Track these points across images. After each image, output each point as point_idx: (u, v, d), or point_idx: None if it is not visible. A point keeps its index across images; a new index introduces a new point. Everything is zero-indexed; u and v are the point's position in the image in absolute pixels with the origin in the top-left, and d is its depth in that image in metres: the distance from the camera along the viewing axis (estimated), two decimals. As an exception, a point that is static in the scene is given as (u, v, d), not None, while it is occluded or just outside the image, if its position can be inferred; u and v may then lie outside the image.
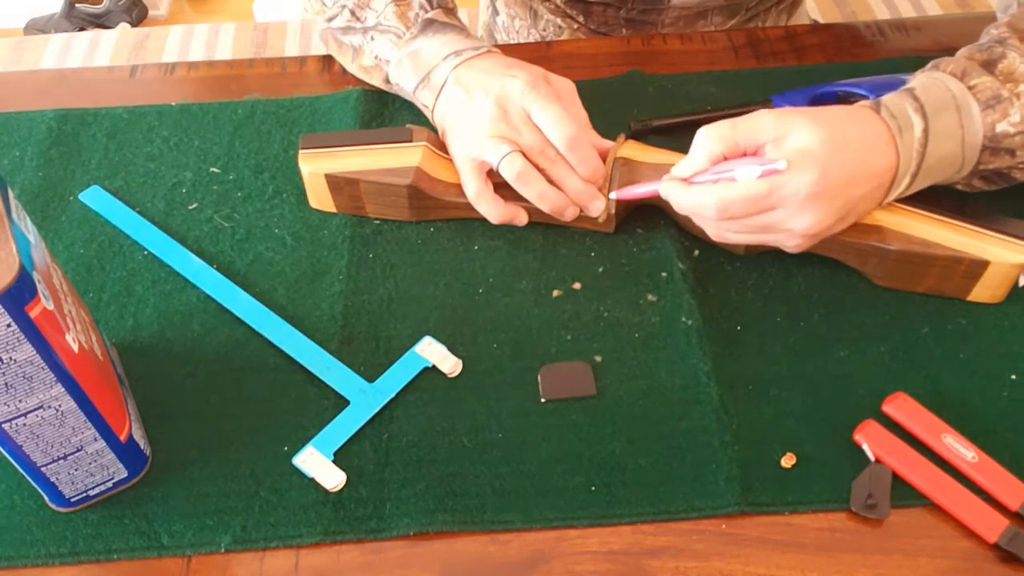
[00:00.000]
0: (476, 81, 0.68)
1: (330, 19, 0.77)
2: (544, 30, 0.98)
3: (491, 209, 0.67)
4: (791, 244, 0.62)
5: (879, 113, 0.60)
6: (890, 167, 0.59)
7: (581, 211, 0.68)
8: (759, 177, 0.57)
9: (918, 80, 0.62)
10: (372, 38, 0.75)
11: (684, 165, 0.61)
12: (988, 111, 0.60)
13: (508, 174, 0.66)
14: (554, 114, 0.66)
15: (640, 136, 0.75)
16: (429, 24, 0.72)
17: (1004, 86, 0.60)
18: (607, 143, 0.69)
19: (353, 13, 0.75)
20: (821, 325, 0.65)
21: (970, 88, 0.61)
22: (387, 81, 0.76)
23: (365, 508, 0.57)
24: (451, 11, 0.76)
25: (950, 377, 0.62)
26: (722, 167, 0.59)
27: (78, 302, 0.57)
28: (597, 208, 0.67)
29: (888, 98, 0.61)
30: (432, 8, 0.73)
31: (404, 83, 0.73)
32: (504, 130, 0.66)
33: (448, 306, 0.66)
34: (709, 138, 0.60)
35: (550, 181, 0.67)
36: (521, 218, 0.69)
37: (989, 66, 0.61)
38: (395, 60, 0.73)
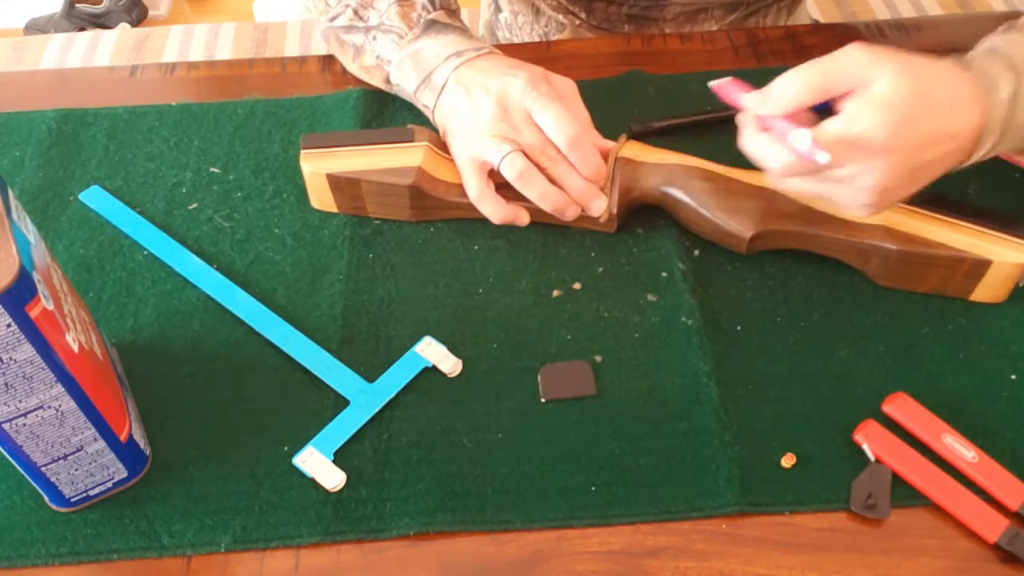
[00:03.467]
0: (477, 81, 0.68)
1: (333, 18, 0.77)
2: (546, 26, 0.98)
3: (493, 209, 0.67)
4: (858, 203, 0.57)
5: (969, 70, 0.57)
6: (974, 127, 0.56)
7: (582, 211, 0.68)
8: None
9: (998, 40, 0.59)
10: (374, 38, 0.75)
11: (765, 103, 0.57)
12: None
13: (509, 173, 0.66)
14: (555, 113, 0.66)
15: (641, 138, 0.75)
16: (431, 25, 0.72)
17: None
18: (609, 143, 0.69)
19: (356, 12, 0.75)
20: (821, 325, 0.65)
21: None
22: (387, 81, 0.76)
23: (365, 508, 0.57)
24: (454, 12, 0.76)
25: (950, 377, 0.62)
26: (783, 124, 0.56)
27: (78, 302, 0.57)
28: (598, 208, 0.67)
29: (975, 55, 0.58)
30: (435, 9, 0.74)
31: (405, 83, 0.73)
32: (505, 129, 0.66)
33: (448, 306, 0.66)
34: (797, 86, 0.55)
35: (551, 181, 0.67)
36: (523, 218, 0.69)
37: None
38: (396, 60, 0.73)
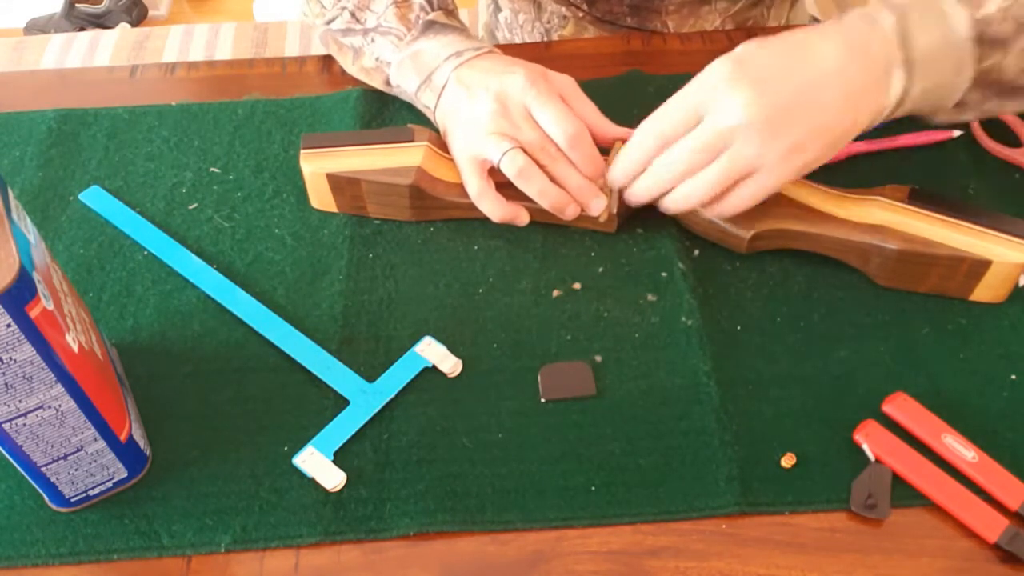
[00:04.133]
0: (477, 80, 0.68)
1: (329, 21, 0.77)
2: (548, 22, 0.98)
3: (493, 208, 0.67)
4: (771, 161, 0.58)
5: (841, 22, 0.59)
6: (865, 55, 0.58)
7: (582, 210, 0.68)
8: None
9: None
10: (372, 40, 0.75)
11: (618, 176, 0.65)
12: (964, 2, 0.58)
13: (509, 170, 0.66)
14: (555, 112, 0.66)
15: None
16: (430, 26, 0.72)
17: None
18: (622, 131, 0.69)
19: (353, 15, 0.75)
20: (821, 325, 0.65)
21: None
22: (388, 83, 0.76)
23: (365, 508, 0.57)
24: (451, 13, 0.76)
25: (950, 377, 0.62)
26: None
27: (78, 302, 0.57)
28: (598, 207, 0.67)
29: (852, 10, 0.60)
30: (433, 10, 0.73)
31: (406, 84, 0.73)
32: (504, 126, 0.66)
33: (448, 306, 0.66)
34: (637, 158, 0.63)
35: (551, 178, 0.67)
36: (523, 218, 0.69)
37: None
38: (396, 62, 0.73)
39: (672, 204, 0.63)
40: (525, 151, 0.66)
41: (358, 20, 0.75)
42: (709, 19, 0.92)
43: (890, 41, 0.58)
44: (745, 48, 0.59)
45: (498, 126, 0.66)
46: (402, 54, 0.73)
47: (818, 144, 0.59)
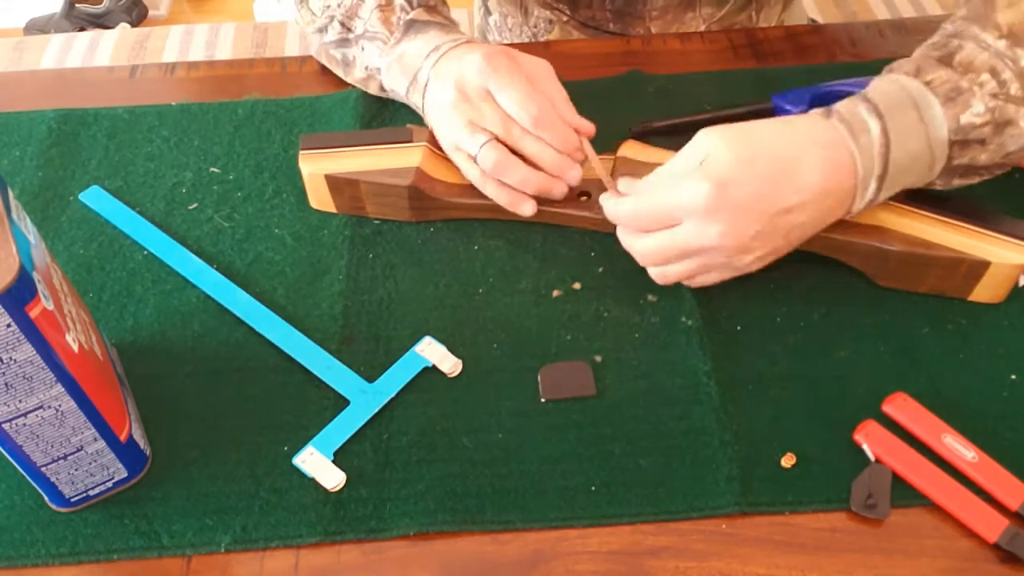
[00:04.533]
0: (444, 70, 0.68)
1: (320, 29, 0.77)
2: (535, 26, 0.98)
3: (498, 192, 0.67)
4: (737, 266, 0.60)
5: (829, 119, 0.59)
6: (845, 174, 0.58)
7: (572, 192, 0.67)
8: None
9: (873, 84, 0.61)
10: (362, 48, 0.75)
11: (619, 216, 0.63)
12: (949, 104, 0.58)
13: (486, 166, 0.66)
14: (515, 92, 0.65)
15: (641, 138, 0.75)
16: (411, 25, 0.72)
17: (963, 77, 0.59)
18: (585, 123, 0.68)
19: (343, 24, 0.75)
20: (821, 325, 0.65)
21: (927, 84, 0.59)
22: (382, 88, 0.77)
23: (365, 508, 0.57)
24: (433, 8, 0.75)
25: (950, 377, 0.62)
26: None
27: (78, 302, 0.57)
28: (574, 177, 0.67)
29: (840, 104, 0.60)
30: (413, 8, 0.73)
31: (397, 88, 0.74)
32: (467, 111, 0.66)
33: (448, 306, 0.66)
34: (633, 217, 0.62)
35: (526, 160, 0.66)
36: (526, 208, 0.68)
37: (946, 60, 0.60)
38: (384, 67, 0.74)
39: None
40: (500, 140, 0.65)
41: (348, 29, 0.75)
42: (693, 24, 0.91)
43: (873, 157, 0.58)
44: (731, 166, 0.57)
45: (462, 113, 0.66)
46: (388, 59, 0.73)
47: (783, 251, 0.61)
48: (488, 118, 0.66)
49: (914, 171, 0.60)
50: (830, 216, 0.60)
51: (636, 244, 0.62)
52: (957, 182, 0.63)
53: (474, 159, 0.66)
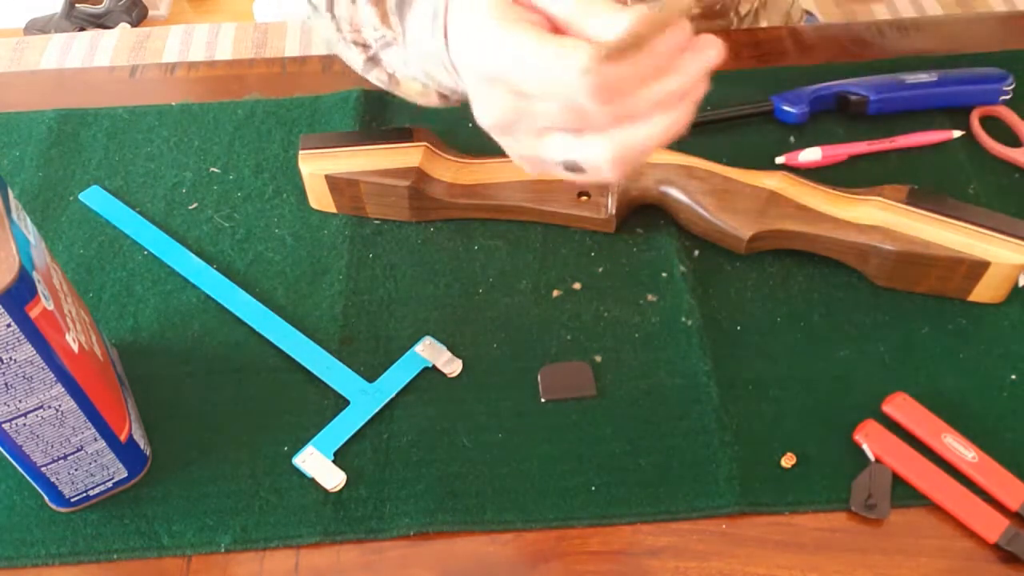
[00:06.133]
0: (462, 63, 0.49)
1: (351, 60, 0.66)
2: None
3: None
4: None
5: None
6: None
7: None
8: None
9: None
10: (380, 61, 0.63)
11: None
12: None
13: (605, 174, 0.45)
14: (540, 60, 0.42)
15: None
16: (402, 6, 0.56)
17: None
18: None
19: (357, 43, 0.64)
20: (821, 325, 0.65)
21: None
22: (443, 96, 0.61)
23: (365, 508, 0.57)
24: None
25: (950, 377, 0.62)
26: None
27: (78, 302, 0.57)
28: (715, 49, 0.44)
29: None
30: None
31: (439, 76, 0.55)
32: (518, 121, 0.46)
33: (448, 306, 0.66)
34: None
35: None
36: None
37: None
38: (414, 64, 0.58)
39: None
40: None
41: (365, 46, 0.64)
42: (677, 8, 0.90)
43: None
44: None
45: (515, 123, 0.46)
46: (409, 55, 0.58)
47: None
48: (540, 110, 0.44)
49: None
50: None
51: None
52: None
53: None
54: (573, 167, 0.46)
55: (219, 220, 0.72)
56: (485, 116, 0.48)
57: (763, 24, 0.97)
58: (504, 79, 0.45)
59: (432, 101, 0.63)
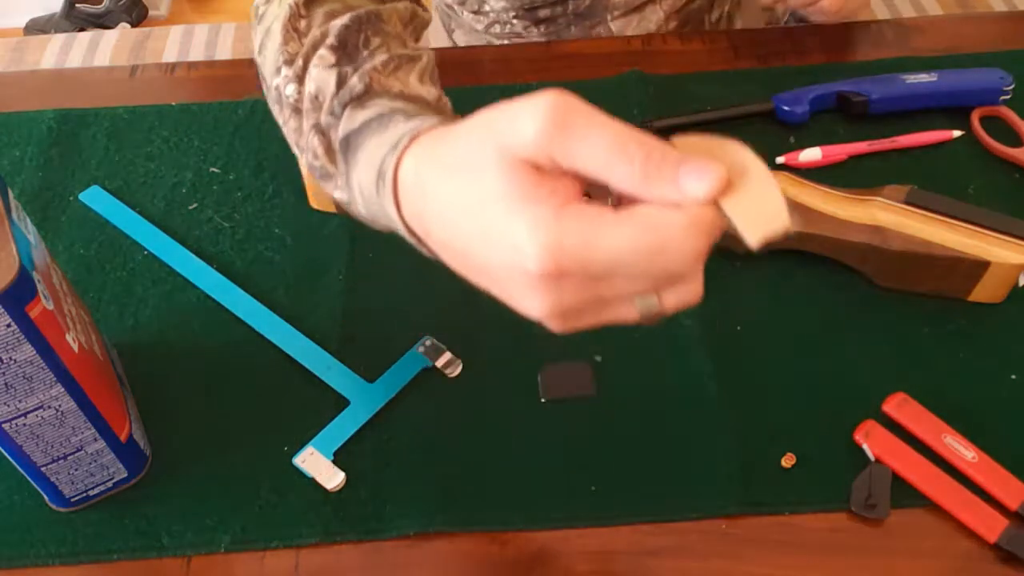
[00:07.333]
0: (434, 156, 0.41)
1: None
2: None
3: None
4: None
5: None
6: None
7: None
8: None
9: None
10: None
11: None
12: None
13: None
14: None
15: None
16: (348, 145, 0.47)
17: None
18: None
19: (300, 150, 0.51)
20: (821, 325, 0.65)
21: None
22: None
23: (365, 508, 0.57)
24: (377, 92, 0.47)
25: (950, 377, 0.62)
26: None
27: (78, 302, 0.57)
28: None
29: None
30: (341, 110, 0.47)
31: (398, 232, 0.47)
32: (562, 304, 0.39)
33: (448, 306, 0.66)
34: None
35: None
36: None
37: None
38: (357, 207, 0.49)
39: None
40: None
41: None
42: (654, 18, 0.91)
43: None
44: None
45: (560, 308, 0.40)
46: (354, 197, 0.48)
47: None
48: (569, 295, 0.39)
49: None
50: None
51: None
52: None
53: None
54: (656, 316, 0.40)
55: (219, 220, 0.72)
56: (539, 309, 0.40)
57: (738, 26, 0.97)
58: (583, 273, 0.37)
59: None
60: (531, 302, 0.40)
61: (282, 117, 0.52)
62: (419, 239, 0.45)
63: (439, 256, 0.44)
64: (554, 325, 0.41)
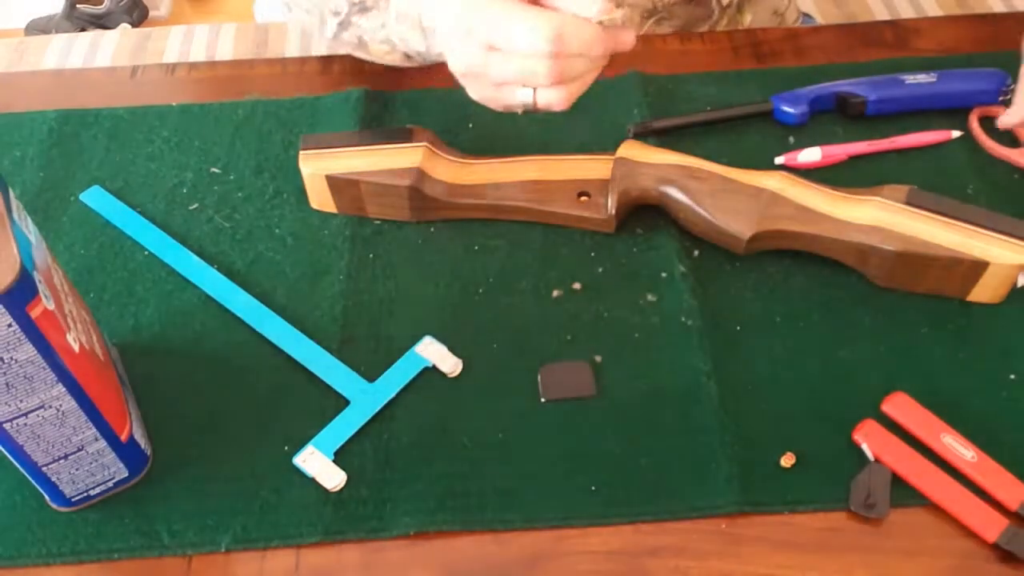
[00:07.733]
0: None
1: (321, 24, 0.77)
2: None
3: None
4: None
5: None
6: None
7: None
8: None
9: None
10: (351, 24, 0.75)
11: None
12: None
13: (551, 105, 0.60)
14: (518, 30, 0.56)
15: (641, 138, 0.75)
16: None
17: None
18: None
19: (331, 12, 0.74)
20: (821, 325, 0.65)
21: None
22: (408, 57, 0.75)
23: (365, 508, 0.57)
24: None
25: (949, 377, 0.62)
26: None
27: (79, 302, 0.57)
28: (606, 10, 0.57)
29: None
30: None
31: (409, 38, 0.70)
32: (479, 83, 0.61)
33: (448, 306, 0.67)
34: None
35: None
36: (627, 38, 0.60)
37: None
38: (385, 27, 0.72)
39: None
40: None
41: (336, 12, 0.74)
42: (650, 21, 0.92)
43: None
44: None
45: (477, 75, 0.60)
46: (386, 17, 0.70)
47: None
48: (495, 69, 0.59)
49: None
50: None
51: None
52: None
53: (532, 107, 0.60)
54: (530, 108, 0.60)
55: (219, 220, 0.72)
56: (458, 63, 0.61)
57: (747, 17, 0.96)
58: (481, 34, 0.57)
59: (396, 61, 0.76)
60: (451, 57, 0.60)
61: None
62: (429, 33, 0.65)
63: (436, 44, 0.64)
64: (466, 85, 0.62)
